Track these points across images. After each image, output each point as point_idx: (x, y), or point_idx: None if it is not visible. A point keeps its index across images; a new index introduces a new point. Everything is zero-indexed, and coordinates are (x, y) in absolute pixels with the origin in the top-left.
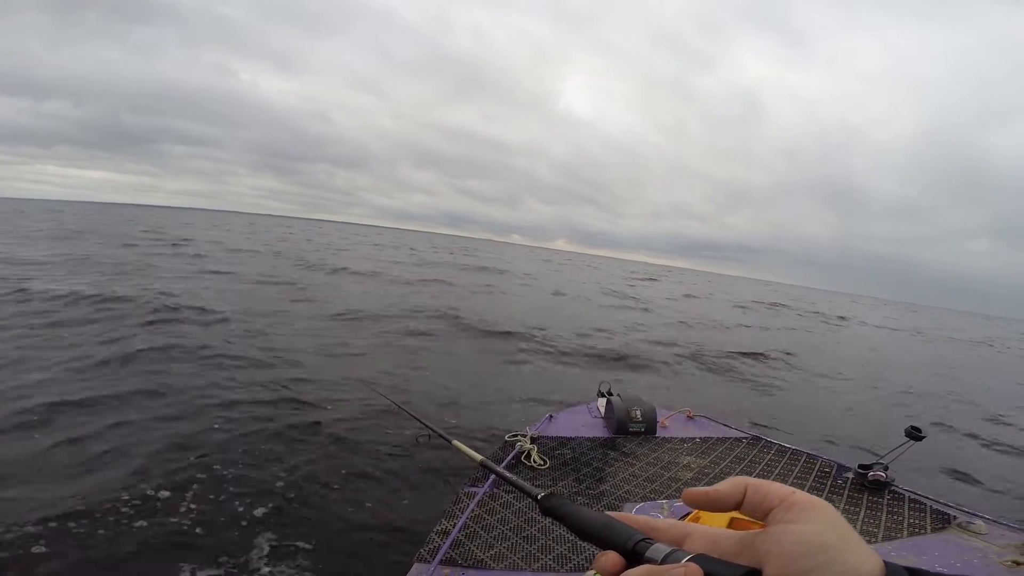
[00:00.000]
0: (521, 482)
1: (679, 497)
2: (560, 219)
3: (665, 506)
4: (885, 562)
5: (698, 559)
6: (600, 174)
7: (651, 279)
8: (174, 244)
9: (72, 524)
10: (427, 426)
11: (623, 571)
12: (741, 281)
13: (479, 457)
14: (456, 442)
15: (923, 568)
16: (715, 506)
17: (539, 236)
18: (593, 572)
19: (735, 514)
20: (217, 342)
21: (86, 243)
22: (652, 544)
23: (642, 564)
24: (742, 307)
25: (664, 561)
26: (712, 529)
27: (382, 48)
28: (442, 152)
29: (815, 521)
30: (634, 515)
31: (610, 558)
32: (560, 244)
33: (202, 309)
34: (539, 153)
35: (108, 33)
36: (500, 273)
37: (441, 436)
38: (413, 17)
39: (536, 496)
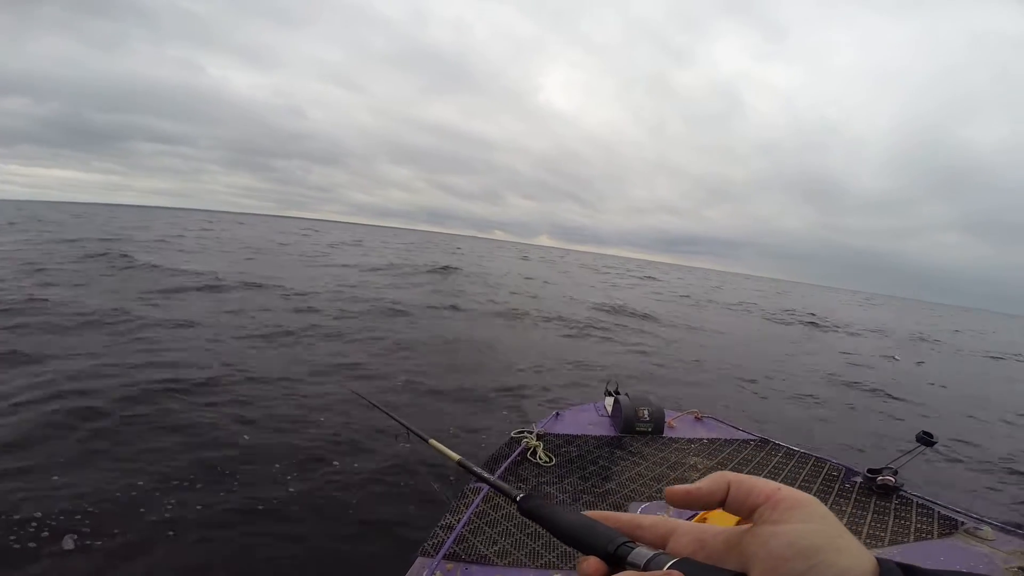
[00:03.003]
0: (499, 483)
1: None
2: (542, 215)
3: (671, 507)
4: (878, 559)
5: (682, 564)
6: (581, 170)
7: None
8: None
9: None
10: (404, 425)
11: None
12: (716, 275)
13: (456, 457)
14: (433, 441)
15: (918, 565)
16: (696, 504)
17: (522, 232)
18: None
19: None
20: None
21: None
22: (634, 548)
23: (625, 570)
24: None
25: (647, 566)
26: (698, 526)
27: (357, 41)
28: (421, 148)
29: (803, 520)
30: (616, 513)
31: (591, 564)
32: (543, 240)
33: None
34: (520, 149)
35: (68, 27)
36: None
37: (418, 435)
38: (388, 8)
39: (515, 497)
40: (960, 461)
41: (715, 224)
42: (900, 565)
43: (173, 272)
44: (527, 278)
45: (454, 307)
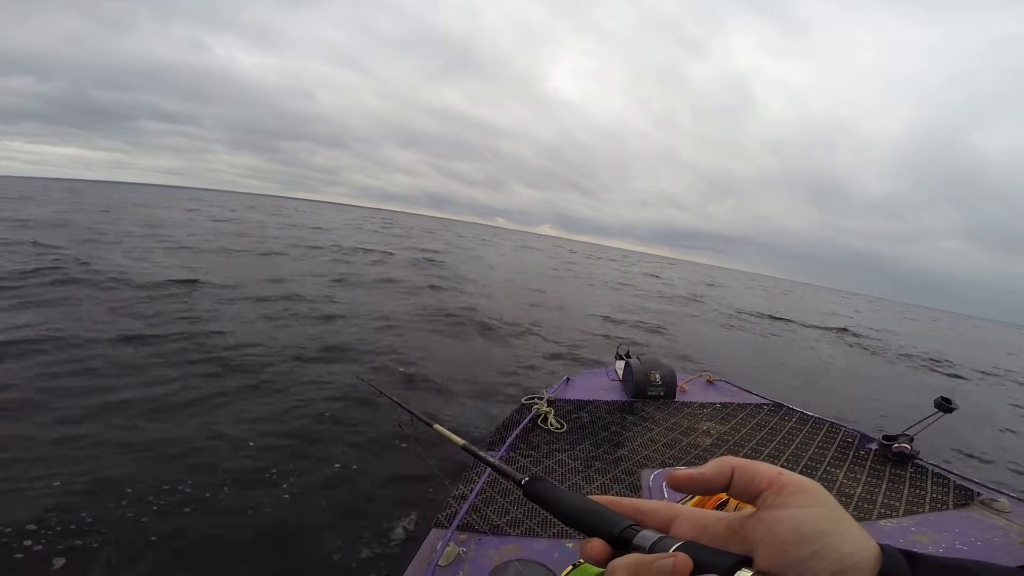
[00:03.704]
0: (504, 467)
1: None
2: (545, 204)
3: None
4: (881, 545)
5: (687, 547)
6: (586, 159)
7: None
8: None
9: None
10: (408, 410)
11: (610, 559)
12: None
13: (461, 441)
14: (437, 426)
15: (919, 551)
16: (700, 489)
17: (524, 220)
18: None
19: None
20: None
21: None
22: (639, 531)
23: (630, 552)
24: None
25: (652, 549)
26: (701, 512)
27: (367, 23)
28: (427, 132)
29: (807, 505)
30: (618, 498)
31: (595, 546)
32: (545, 229)
33: None
34: (525, 136)
35: (73, 6)
36: None
37: (423, 420)
38: None
39: (520, 481)
40: (980, 432)
41: (718, 219)
42: (902, 551)
43: (148, 271)
44: (525, 278)
45: (446, 314)
